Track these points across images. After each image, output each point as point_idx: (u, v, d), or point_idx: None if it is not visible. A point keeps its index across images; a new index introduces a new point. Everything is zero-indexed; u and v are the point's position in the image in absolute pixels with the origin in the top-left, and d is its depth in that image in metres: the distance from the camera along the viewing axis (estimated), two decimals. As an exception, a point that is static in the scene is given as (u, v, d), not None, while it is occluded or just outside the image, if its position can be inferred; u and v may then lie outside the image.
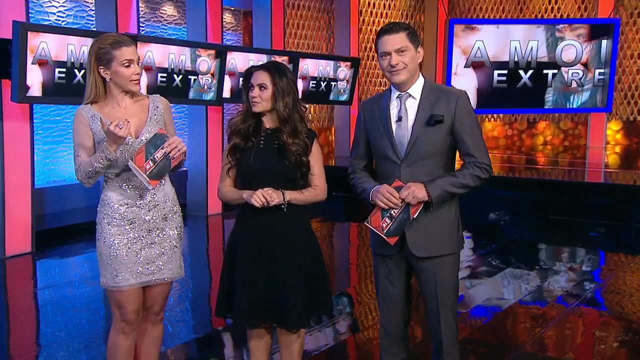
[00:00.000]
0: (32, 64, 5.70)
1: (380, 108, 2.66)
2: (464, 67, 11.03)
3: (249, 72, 2.76)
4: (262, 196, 2.60)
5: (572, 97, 11.28)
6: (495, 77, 11.08)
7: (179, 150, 2.69)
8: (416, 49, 2.58)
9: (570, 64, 11.13)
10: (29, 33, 5.62)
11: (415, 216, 2.52)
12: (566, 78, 11.16)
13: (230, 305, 2.75)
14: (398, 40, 2.55)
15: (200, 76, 7.42)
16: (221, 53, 7.56)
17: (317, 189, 2.77)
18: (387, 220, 2.55)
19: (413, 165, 2.56)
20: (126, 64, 2.68)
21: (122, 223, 2.73)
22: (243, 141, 2.73)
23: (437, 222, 2.59)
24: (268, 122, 2.76)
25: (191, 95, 7.43)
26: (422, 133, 2.55)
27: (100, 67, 2.69)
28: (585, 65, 11.11)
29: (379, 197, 2.55)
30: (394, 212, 2.54)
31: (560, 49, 11.09)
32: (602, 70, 11.09)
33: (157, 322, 2.93)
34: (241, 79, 2.96)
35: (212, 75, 7.54)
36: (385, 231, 2.55)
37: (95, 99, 2.74)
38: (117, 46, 2.67)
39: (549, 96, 11.26)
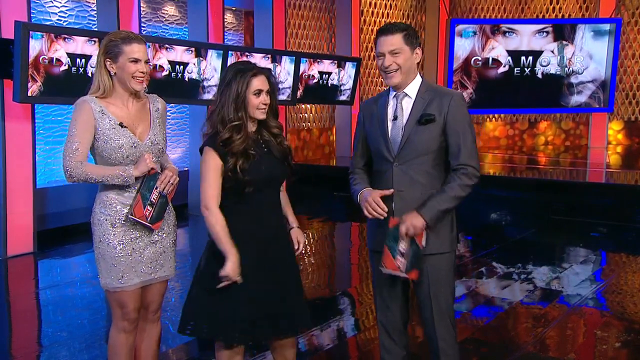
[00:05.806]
0: (34, 64, 5.71)
1: (379, 107, 2.69)
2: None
3: (249, 81, 2.50)
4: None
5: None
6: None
7: (171, 185, 2.73)
8: (413, 50, 2.59)
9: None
10: (30, 33, 5.63)
11: (424, 243, 2.51)
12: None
13: (219, 322, 2.53)
14: (393, 42, 2.56)
15: (201, 76, 7.42)
16: (222, 53, 7.56)
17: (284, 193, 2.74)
18: (400, 258, 2.53)
19: (405, 163, 2.58)
20: (133, 61, 2.63)
21: (126, 223, 2.71)
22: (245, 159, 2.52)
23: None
24: (250, 126, 2.59)
25: (192, 95, 7.44)
26: (414, 132, 2.57)
27: (108, 60, 2.65)
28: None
29: (365, 205, 2.58)
30: (402, 248, 2.52)
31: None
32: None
33: (156, 320, 2.92)
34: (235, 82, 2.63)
35: (213, 75, 7.54)
36: (404, 269, 2.54)
37: (102, 94, 2.68)
38: (128, 41, 2.64)
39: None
